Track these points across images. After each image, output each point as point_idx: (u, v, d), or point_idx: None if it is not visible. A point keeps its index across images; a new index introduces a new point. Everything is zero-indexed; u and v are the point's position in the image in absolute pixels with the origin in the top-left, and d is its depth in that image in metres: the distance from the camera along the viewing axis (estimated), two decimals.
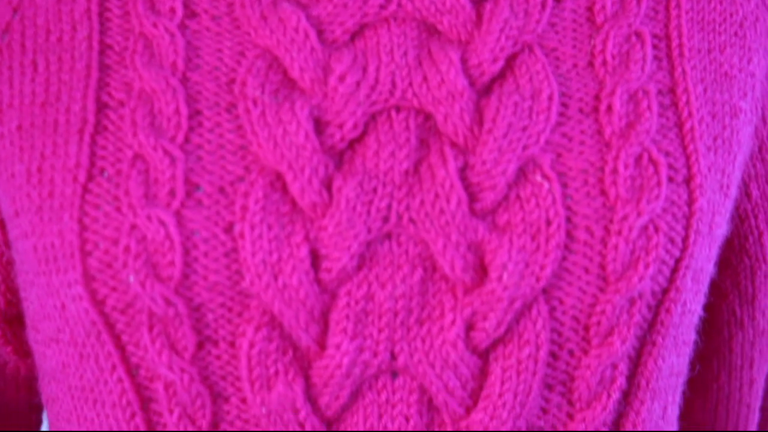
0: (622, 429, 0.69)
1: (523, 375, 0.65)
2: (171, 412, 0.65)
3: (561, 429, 0.67)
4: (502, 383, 0.65)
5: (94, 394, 0.67)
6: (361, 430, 0.65)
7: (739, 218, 0.76)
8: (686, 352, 0.72)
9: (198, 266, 0.63)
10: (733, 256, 0.77)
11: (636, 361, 0.68)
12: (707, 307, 0.77)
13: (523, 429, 0.66)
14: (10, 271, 0.73)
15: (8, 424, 0.83)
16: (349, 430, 0.65)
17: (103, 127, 0.65)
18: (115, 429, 0.67)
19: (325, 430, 0.65)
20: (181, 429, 0.65)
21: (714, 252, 0.70)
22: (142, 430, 0.66)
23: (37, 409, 0.83)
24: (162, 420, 0.66)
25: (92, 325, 0.64)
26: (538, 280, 0.63)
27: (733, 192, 0.71)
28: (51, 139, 0.65)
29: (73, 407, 0.69)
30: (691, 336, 0.72)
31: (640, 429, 0.69)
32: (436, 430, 0.66)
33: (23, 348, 0.76)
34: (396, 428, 0.65)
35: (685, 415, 0.83)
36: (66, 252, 0.64)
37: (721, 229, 0.70)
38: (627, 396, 0.69)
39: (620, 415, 0.69)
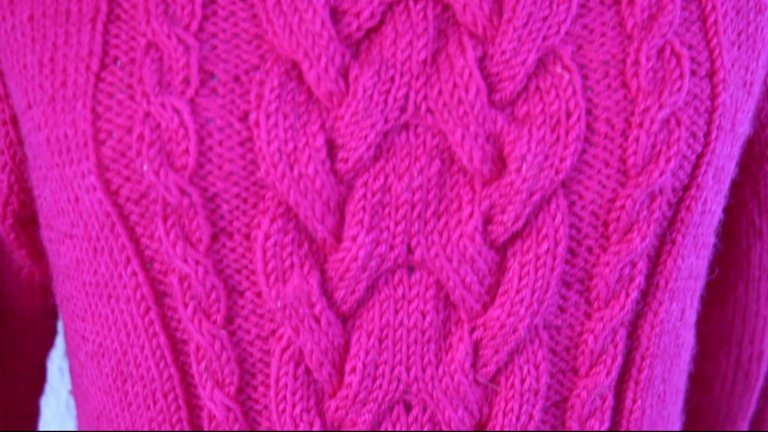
0: (639, 330, 0.67)
1: (541, 271, 0.63)
2: (185, 306, 0.64)
3: (578, 328, 0.66)
4: (520, 279, 0.63)
5: (108, 290, 0.66)
6: (377, 325, 0.64)
7: (761, 123, 0.74)
8: (705, 254, 0.70)
9: (213, 155, 0.61)
10: (753, 163, 0.75)
11: (655, 261, 0.66)
12: (727, 214, 0.75)
13: (541, 327, 0.65)
14: (24, 171, 0.71)
15: (25, 329, 0.82)
16: (364, 325, 0.64)
17: (116, 16, 0.63)
18: (129, 325, 0.66)
19: (340, 324, 0.64)
20: (196, 324, 0.64)
21: (736, 151, 0.68)
22: (156, 324, 0.65)
23: (52, 315, 0.82)
24: (176, 315, 0.65)
25: (106, 216, 0.63)
26: (557, 172, 0.61)
27: (757, 91, 0.69)
28: (63, 28, 0.63)
29: (87, 304, 0.68)
30: (711, 238, 0.70)
31: (657, 330, 0.68)
32: (453, 326, 0.64)
33: (37, 251, 0.75)
34: (412, 324, 0.64)
35: (702, 326, 0.81)
36: (79, 142, 0.62)
37: (743, 127, 0.68)
38: (645, 296, 0.67)
39: (638, 316, 0.67)
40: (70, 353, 0.75)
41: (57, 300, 0.73)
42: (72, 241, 0.66)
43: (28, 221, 0.74)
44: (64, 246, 0.68)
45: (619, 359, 0.67)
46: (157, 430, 0.68)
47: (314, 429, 0.65)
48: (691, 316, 0.72)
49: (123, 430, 0.70)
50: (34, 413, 0.87)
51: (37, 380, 0.86)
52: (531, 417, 0.66)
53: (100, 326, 0.67)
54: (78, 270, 0.67)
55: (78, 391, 0.75)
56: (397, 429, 0.66)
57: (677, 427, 0.77)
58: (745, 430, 0.89)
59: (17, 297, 0.79)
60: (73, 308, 0.70)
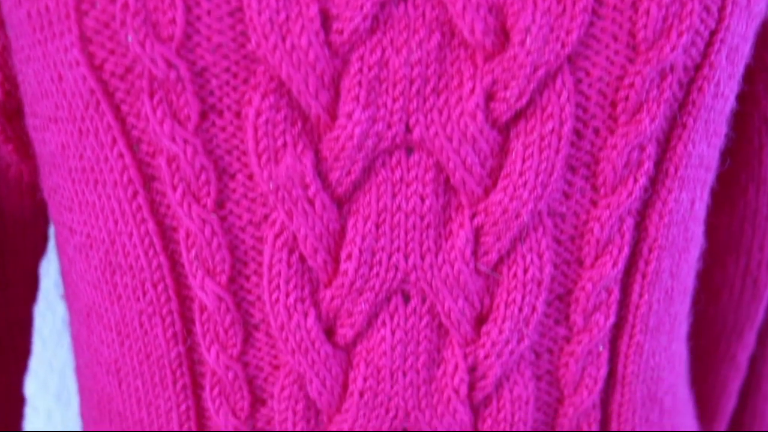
0: (647, 219, 0.64)
1: (545, 152, 0.60)
2: (174, 189, 0.60)
3: (584, 216, 0.62)
4: (523, 161, 0.60)
5: (94, 175, 0.62)
6: (374, 209, 0.60)
7: None
8: (717, 144, 0.67)
9: (201, 25, 0.57)
10: (767, 53, 0.71)
11: (665, 146, 0.63)
12: (739, 111, 0.71)
13: (545, 214, 0.61)
14: (8, 59, 0.67)
15: (15, 233, 0.78)
16: (361, 209, 0.60)
17: None
18: (116, 211, 0.62)
19: (335, 208, 0.60)
20: (185, 208, 0.60)
21: (750, 32, 0.64)
22: (144, 210, 0.61)
23: (43, 219, 0.79)
24: (165, 200, 0.61)
25: (90, 94, 0.59)
26: (563, 45, 0.57)
27: None
28: None
29: (74, 193, 0.64)
30: (723, 128, 0.67)
31: (666, 220, 0.64)
32: (453, 212, 0.61)
33: (24, 147, 0.71)
34: (410, 209, 0.60)
35: (710, 232, 0.78)
36: (61, 13, 0.58)
37: (759, 6, 0.64)
38: (654, 183, 0.63)
39: (646, 205, 0.64)
40: (59, 250, 0.71)
41: (45, 195, 0.69)
42: (57, 125, 0.63)
43: (13, 113, 0.70)
44: (48, 132, 0.64)
45: (626, 250, 0.64)
46: (147, 323, 0.65)
47: (309, 319, 0.62)
48: (701, 210, 0.68)
49: (113, 325, 0.67)
50: (26, 321, 0.83)
51: (30, 287, 0.82)
52: (534, 309, 0.63)
53: (87, 215, 0.64)
54: (64, 156, 0.64)
55: (68, 291, 0.72)
56: (395, 320, 0.63)
57: (684, 327, 0.73)
58: (753, 341, 0.86)
59: (6, 197, 0.76)
60: (60, 199, 0.66)
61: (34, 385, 1.03)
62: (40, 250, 0.81)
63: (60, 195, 0.66)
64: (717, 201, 0.76)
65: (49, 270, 0.98)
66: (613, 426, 0.69)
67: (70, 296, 0.72)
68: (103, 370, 0.70)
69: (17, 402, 0.86)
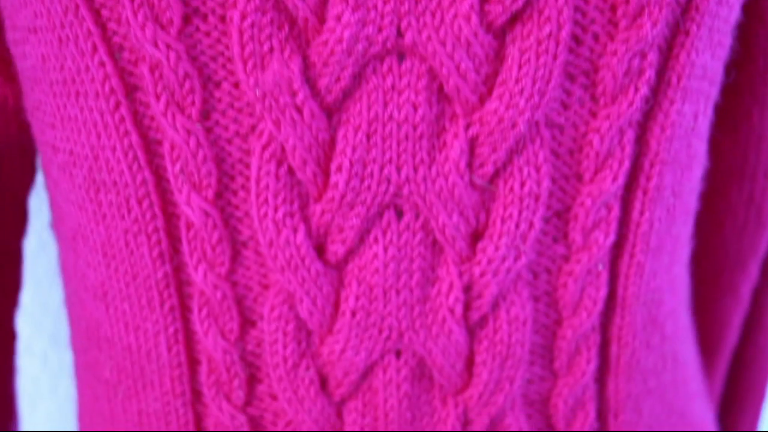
0: (649, 133, 0.61)
1: (542, 58, 0.57)
2: (158, 98, 0.57)
3: (583, 128, 0.60)
4: (520, 67, 0.57)
5: (75, 86, 0.59)
6: (365, 119, 0.57)
7: None
8: (721, 56, 0.64)
9: None
10: None
11: (667, 54, 0.60)
12: (743, 28, 0.68)
13: (542, 125, 0.59)
14: None
15: (2, 162, 0.76)
16: (351, 119, 0.58)
17: None
18: (99, 124, 0.60)
19: (324, 117, 0.57)
20: (169, 119, 0.58)
21: None
22: (127, 122, 0.59)
23: (30, 148, 0.76)
24: (149, 111, 0.58)
25: None
26: None
27: None
28: None
29: (56, 108, 0.62)
30: (728, 39, 0.63)
31: (668, 134, 0.61)
32: (447, 122, 0.58)
33: (7, 68, 0.69)
34: (402, 118, 0.57)
35: (713, 157, 0.75)
36: None
37: None
38: (656, 93, 0.60)
39: (648, 117, 0.61)
40: (45, 176, 0.69)
41: (28, 115, 0.67)
42: (36, 36, 0.60)
43: None
44: (29, 44, 0.61)
45: (626, 164, 0.61)
46: (132, 242, 0.62)
47: (298, 235, 0.59)
48: (704, 126, 0.65)
49: (98, 246, 0.64)
50: (15, 255, 0.81)
51: (18, 219, 0.80)
52: (531, 225, 0.60)
53: (70, 131, 0.61)
54: (44, 69, 0.61)
55: (55, 216, 0.70)
56: (388, 237, 0.60)
57: (686, 251, 0.71)
58: (757, 273, 0.83)
59: None
60: (42, 116, 0.63)
61: (29, 328, 1.01)
62: (27, 180, 0.78)
63: (42, 111, 0.63)
64: (720, 124, 0.73)
65: (42, 209, 0.96)
66: (613, 350, 0.66)
67: (56, 222, 0.70)
68: (90, 295, 0.67)
69: (8, 337, 0.84)
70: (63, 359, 1.03)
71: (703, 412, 0.78)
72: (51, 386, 1.04)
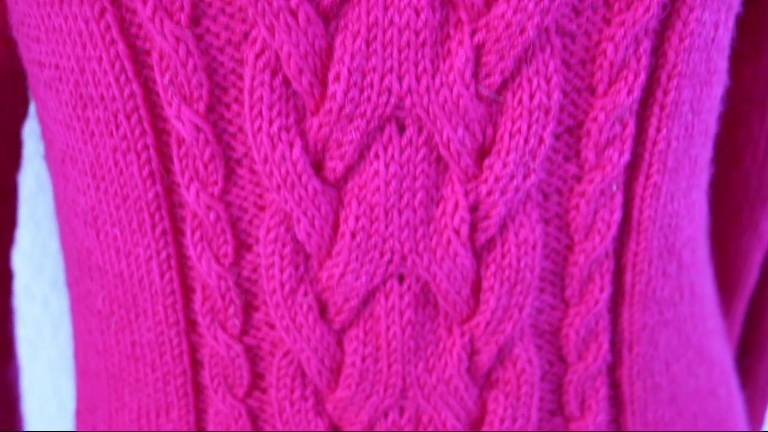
0: (666, 43, 0.57)
1: None
2: (144, 2, 0.54)
3: (596, 36, 0.55)
4: None
5: None
6: (364, 24, 0.53)
7: None
8: None
9: None
10: None
11: None
12: None
13: (553, 31, 0.55)
14: None
15: None
16: (350, 24, 0.54)
17: None
18: (84, 33, 0.56)
19: (321, 22, 0.53)
20: (157, 25, 0.54)
21: None
22: (114, 30, 0.55)
23: (21, 76, 0.72)
24: (136, 18, 0.55)
25: None
26: None
27: None
28: None
29: (41, 19, 0.58)
30: None
31: (687, 44, 0.57)
32: (451, 29, 0.54)
33: None
34: (404, 24, 0.53)
35: (734, 84, 0.71)
36: None
37: None
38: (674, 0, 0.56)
39: (665, 25, 0.57)
40: (34, 98, 0.65)
41: (14, 33, 0.63)
42: None
43: None
44: None
45: (642, 76, 0.57)
46: (122, 160, 0.59)
47: (294, 150, 0.56)
48: (725, 39, 0.61)
49: (87, 167, 0.61)
50: (10, 190, 0.78)
51: (12, 152, 0.76)
52: (541, 141, 0.56)
53: (55, 42, 0.58)
54: None
55: (46, 142, 0.66)
56: (389, 152, 0.56)
57: (705, 176, 0.67)
58: None
59: None
60: (28, 30, 0.60)
61: (29, 271, 0.98)
62: (21, 113, 0.75)
63: (27, 25, 0.60)
64: (741, 50, 0.69)
65: (40, 150, 0.92)
66: (628, 278, 0.63)
67: (47, 149, 0.66)
68: (81, 221, 0.64)
69: (5, 276, 0.81)
70: (64, 304, 1.00)
71: (721, 351, 0.74)
72: (52, 331, 1.01)
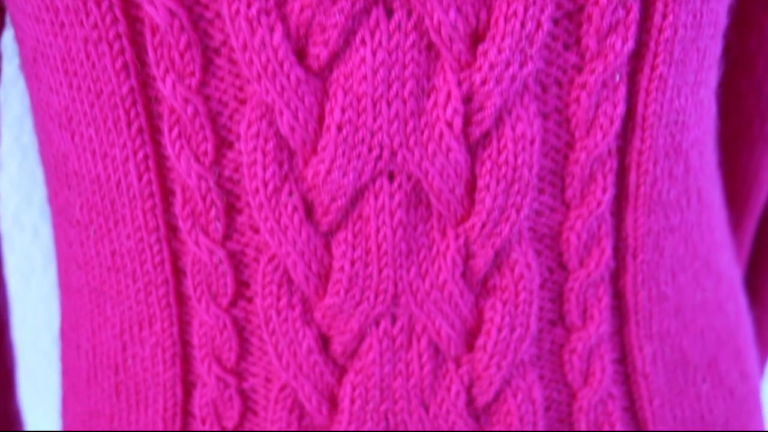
0: None
1: None
2: None
3: None
4: None
5: None
6: None
7: None
8: None
9: None
10: None
11: None
12: None
13: None
14: None
15: None
16: None
17: None
18: None
19: None
20: None
21: None
22: None
23: None
24: None
25: None
26: None
27: None
28: None
29: None
30: None
31: None
32: None
33: None
34: None
35: None
36: None
37: None
38: None
39: None
40: None
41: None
42: None
43: None
44: None
45: None
46: (93, 52, 0.55)
47: (275, 36, 0.52)
48: None
49: (59, 64, 0.57)
50: None
51: None
52: (539, 25, 0.52)
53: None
54: None
55: (18, 42, 0.63)
56: (377, 38, 0.52)
57: (713, 73, 0.62)
58: None
59: None
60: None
61: (18, 200, 0.95)
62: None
63: None
64: None
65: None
66: (632, 178, 0.59)
67: (21, 50, 0.63)
68: (56, 125, 0.60)
69: None
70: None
71: (729, 265, 0.71)
72: (44, 261, 0.98)
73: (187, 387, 0.63)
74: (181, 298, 0.61)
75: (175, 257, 0.60)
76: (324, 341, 0.60)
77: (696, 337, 0.67)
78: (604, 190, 0.58)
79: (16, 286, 0.97)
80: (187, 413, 0.64)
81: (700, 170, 0.63)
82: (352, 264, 0.57)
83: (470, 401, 0.61)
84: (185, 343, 0.62)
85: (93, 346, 0.66)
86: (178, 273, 0.60)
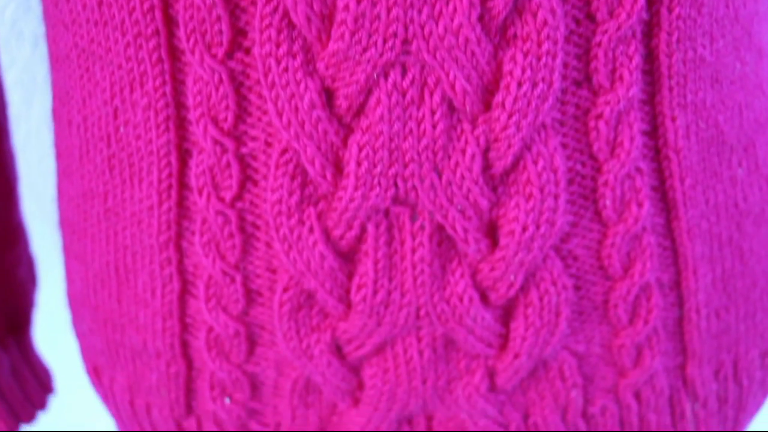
0: None
1: None
2: None
3: None
4: None
5: None
6: None
7: None
8: None
9: None
10: None
11: None
12: None
13: None
14: None
15: None
16: None
17: None
18: None
19: None
20: None
21: None
22: None
23: None
24: None
25: None
26: None
27: None
28: None
29: None
30: None
31: None
32: None
33: None
34: None
35: None
36: None
37: None
38: None
39: None
40: None
41: None
42: None
43: None
44: None
45: None
46: None
47: None
48: None
49: None
50: None
51: None
52: None
53: None
54: None
55: None
56: None
57: None
58: None
59: None
60: None
61: (15, 6, 0.89)
62: None
63: None
64: None
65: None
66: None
67: None
68: None
69: None
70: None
71: None
72: (46, 74, 0.92)
73: (183, 155, 0.58)
74: (174, 53, 0.55)
75: (166, 4, 0.54)
76: (328, 95, 0.54)
77: (734, 114, 0.61)
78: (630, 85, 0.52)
79: (17, 104, 0.92)
80: (182, 185, 0.59)
81: None
82: (359, 1, 0.51)
83: (487, 167, 0.55)
84: (179, 105, 0.57)
85: (84, 118, 0.61)
86: (170, 22, 0.54)
